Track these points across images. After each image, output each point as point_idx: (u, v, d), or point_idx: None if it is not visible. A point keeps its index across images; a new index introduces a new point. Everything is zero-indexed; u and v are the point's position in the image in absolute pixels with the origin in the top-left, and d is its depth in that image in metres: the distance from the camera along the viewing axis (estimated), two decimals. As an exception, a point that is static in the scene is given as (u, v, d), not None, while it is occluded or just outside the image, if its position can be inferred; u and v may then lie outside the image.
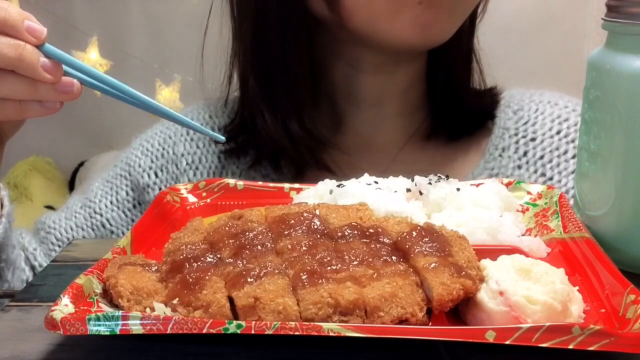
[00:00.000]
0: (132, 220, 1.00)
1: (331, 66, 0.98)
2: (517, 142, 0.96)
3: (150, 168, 1.01)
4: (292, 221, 0.60)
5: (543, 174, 0.93)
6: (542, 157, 0.94)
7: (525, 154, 0.95)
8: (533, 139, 0.96)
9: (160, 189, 0.99)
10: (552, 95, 1.01)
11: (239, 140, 0.98)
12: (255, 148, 0.97)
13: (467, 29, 0.97)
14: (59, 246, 0.97)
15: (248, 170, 0.98)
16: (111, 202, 1.01)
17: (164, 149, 1.02)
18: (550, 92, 1.03)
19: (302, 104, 0.94)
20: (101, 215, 1.00)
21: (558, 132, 0.96)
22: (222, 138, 0.68)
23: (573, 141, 0.94)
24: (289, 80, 0.93)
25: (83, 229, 1.00)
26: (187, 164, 1.00)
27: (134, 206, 1.01)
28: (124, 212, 1.00)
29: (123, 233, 0.99)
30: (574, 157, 0.93)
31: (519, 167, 0.95)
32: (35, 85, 0.63)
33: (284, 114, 0.94)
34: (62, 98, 0.64)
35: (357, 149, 0.99)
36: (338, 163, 0.96)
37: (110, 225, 1.00)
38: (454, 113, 0.98)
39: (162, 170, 1.00)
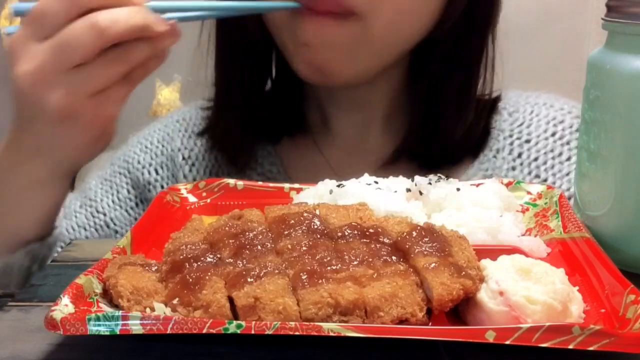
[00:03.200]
0: (135, 219, 0.99)
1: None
2: (511, 143, 0.95)
3: (150, 165, 1.00)
4: (292, 221, 0.60)
5: (537, 176, 0.93)
6: (536, 159, 0.94)
7: (519, 155, 0.94)
8: (528, 141, 0.95)
9: (162, 186, 0.98)
10: (548, 98, 1.00)
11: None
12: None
13: (475, 36, 0.93)
14: (61, 247, 0.95)
15: (243, 169, 0.97)
16: (113, 202, 1.00)
17: (163, 146, 1.01)
18: (546, 94, 1.01)
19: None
20: (104, 214, 0.99)
21: (553, 134, 0.95)
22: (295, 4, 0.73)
23: (568, 143, 0.94)
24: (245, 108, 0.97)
25: (86, 229, 0.99)
26: (183, 158, 0.99)
27: (137, 204, 1.00)
28: (126, 210, 0.99)
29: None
30: (568, 159, 0.92)
31: (513, 168, 0.94)
32: (154, 42, 0.69)
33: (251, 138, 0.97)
34: (172, 43, 0.70)
35: (343, 155, 0.98)
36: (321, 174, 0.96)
37: (115, 224, 0.99)
38: (433, 142, 0.94)
39: (162, 168, 1.00)
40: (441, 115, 0.93)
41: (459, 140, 0.93)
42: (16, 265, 0.76)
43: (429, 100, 0.93)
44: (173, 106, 2.09)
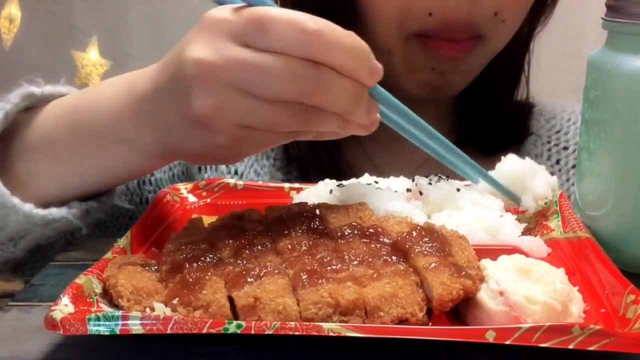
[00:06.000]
0: (170, 169, 0.93)
1: None
2: (549, 149, 0.96)
3: None
4: (292, 221, 0.60)
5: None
6: (574, 166, 0.93)
7: (558, 162, 0.95)
8: (566, 148, 0.96)
9: None
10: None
11: None
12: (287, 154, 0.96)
13: (521, 39, 0.94)
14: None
15: (280, 158, 0.95)
16: None
17: None
18: (579, 103, 1.02)
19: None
20: None
21: None
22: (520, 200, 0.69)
23: None
24: None
25: None
26: None
27: (178, 162, 0.94)
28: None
29: (161, 180, 0.92)
30: None
31: (552, 174, 0.93)
32: (346, 123, 0.59)
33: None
34: (359, 132, 0.61)
35: (384, 152, 0.96)
36: (366, 158, 0.95)
37: (152, 174, 0.92)
38: (487, 129, 0.96)
39: None
40: (499, 113, 0.95)
41: (504, 136, 0.95)
42: (58, 223, 0.70)
43: (479, 95, 0.95)
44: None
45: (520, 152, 0.96)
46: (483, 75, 0.93)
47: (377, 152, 0.97)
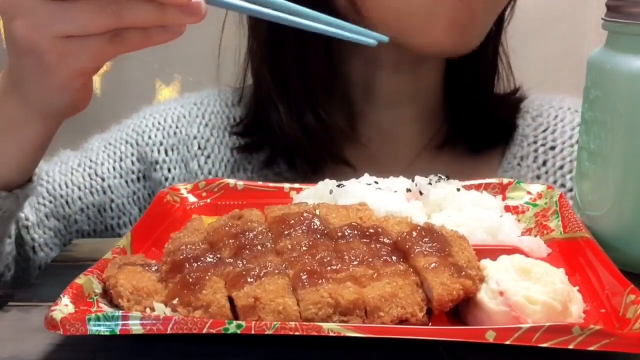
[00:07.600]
0: (134, 193, 0.94)
1: (348, 62, 0.94)
2: (536, 150, 0.93)
3: (161, 144, 0.95)
4: (292, 221, 0.60)
5: (563, 185, 0.90)
6: (562, 167, 0.91)
7: (544, 163, 0.92)
8: (552, 148, 0.92)
9: (169, 169, 0.94)
10: (572, 102, 0.97)
11: (254, 136, 0.94)
12: (270, 145, 0.94)
13: (494, 30, 0.93)
14: (50, 202, 0.92)
15: (261, 169, 0.94)
16: (114, 168, 0.94)
17: (177, 127, 0.96)
18: (570, 97, 0.99)
19: (317, 98, 0.91)
20: (103, 179, 0.94)
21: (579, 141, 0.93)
22: (385, 38, 0.66)
23: None
24: (305, 74, 0.90)
25: (80, 189, 0.93)
26: (199, 148, 0.95)
27: (138, 179, 0.95)
28: (126, 181, 0.94)
29: (123, 205, 0.94)
30: None
31: (538, 177, 0.91)
32: (163, 9, 0.59)
33: (299, 107, 0.90)
34: (189, 21, 0.60)
35: (368, 154, 0.95)
36: (357, 157, 0.93)
37: (112, 192, 0.93)
38: (474, 123, 0.95)
39: (172, 150, 0.95)
40: (483, 106, 0.94)
41: (492, 128, 0.94)
42: None
43: (473, 94, 0.95)
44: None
45: (506, 154, 0.94)
46: (464, 70, 0.93)
47: (357, 156, 0.94)
